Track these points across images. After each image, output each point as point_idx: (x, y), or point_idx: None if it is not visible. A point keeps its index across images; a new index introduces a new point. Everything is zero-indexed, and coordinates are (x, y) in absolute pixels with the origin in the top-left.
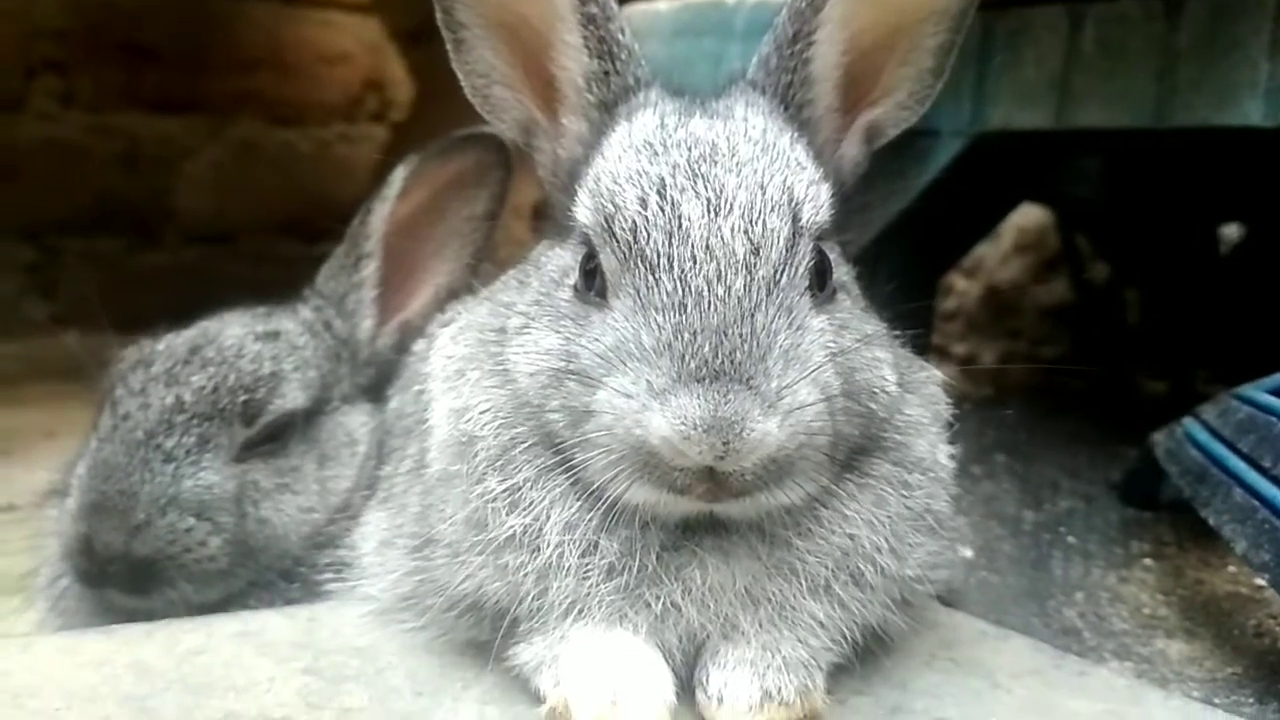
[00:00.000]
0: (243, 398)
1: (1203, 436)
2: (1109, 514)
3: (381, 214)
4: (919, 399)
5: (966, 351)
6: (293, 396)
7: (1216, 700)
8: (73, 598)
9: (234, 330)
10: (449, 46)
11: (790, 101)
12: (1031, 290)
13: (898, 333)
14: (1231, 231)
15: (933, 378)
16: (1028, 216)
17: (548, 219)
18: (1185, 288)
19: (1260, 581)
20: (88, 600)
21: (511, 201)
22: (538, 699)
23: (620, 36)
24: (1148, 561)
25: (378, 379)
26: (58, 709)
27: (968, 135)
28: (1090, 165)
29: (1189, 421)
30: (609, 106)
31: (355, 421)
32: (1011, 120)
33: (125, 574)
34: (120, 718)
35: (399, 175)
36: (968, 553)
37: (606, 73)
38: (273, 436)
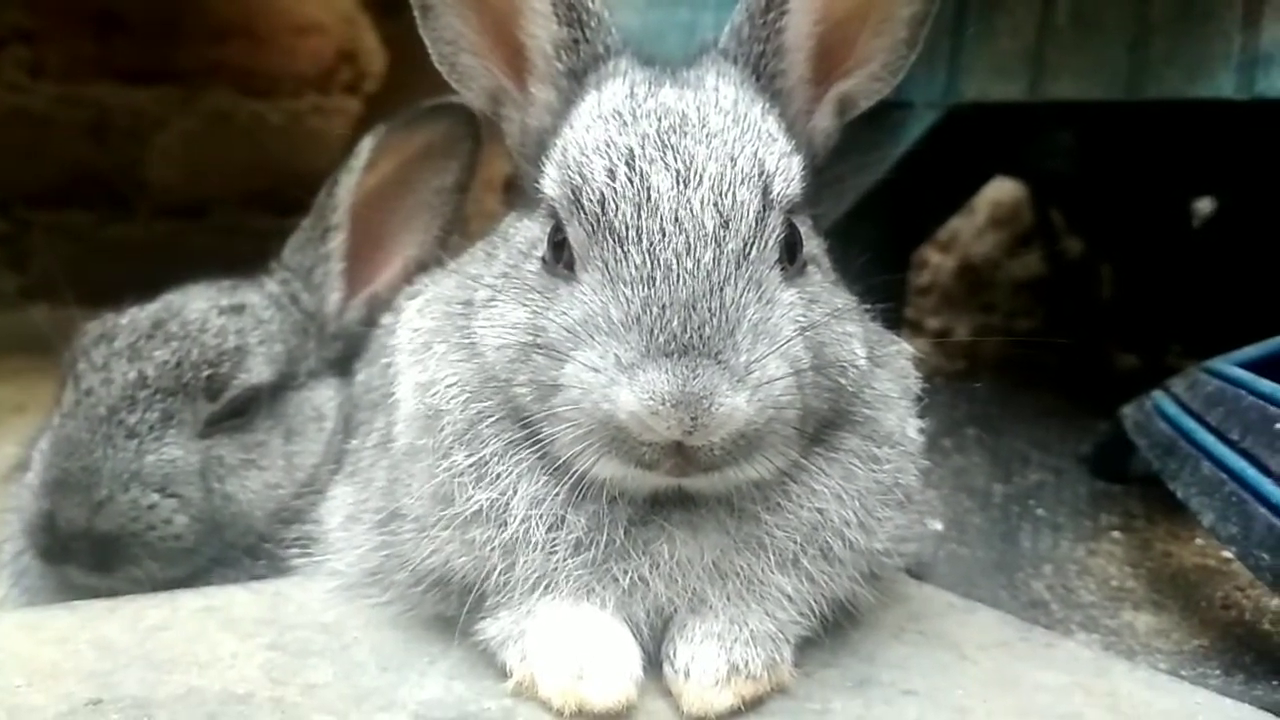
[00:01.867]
0: (206, 372)
1: (1171, 409)
2: (1078, 487)
3: (348, 186)
4: (889, 373)
5: (941, 325)
6: (258, 371)
7: (1183, 672)
8: (36, 575)
9: (198, 304)
10: (416, 13)
11: (762, 72)
12: (1005, 264)
13: (868, 307)
14: (1204, 205)
15: (903, 352)
16: (1002, 191)
17: (517, 190)
18: (1158, 262)
19: (1228, 554)
20: (51, 577)
21: (483, 174)
22: (504, 673)
23: (590, 4)
24: (1116, 534)
25: (345, 353)
26: (19, 686)
27: (941, 107)
28: (1064, 139)
29: (1158, 394)
30: (578, 75)
31: (322, 396)
32: (985, 93)
33: (88, 551)
34: (82, 694)
35: (366, 146)
36: (938, 526)
37: (576, 40)
38: (238, 411)
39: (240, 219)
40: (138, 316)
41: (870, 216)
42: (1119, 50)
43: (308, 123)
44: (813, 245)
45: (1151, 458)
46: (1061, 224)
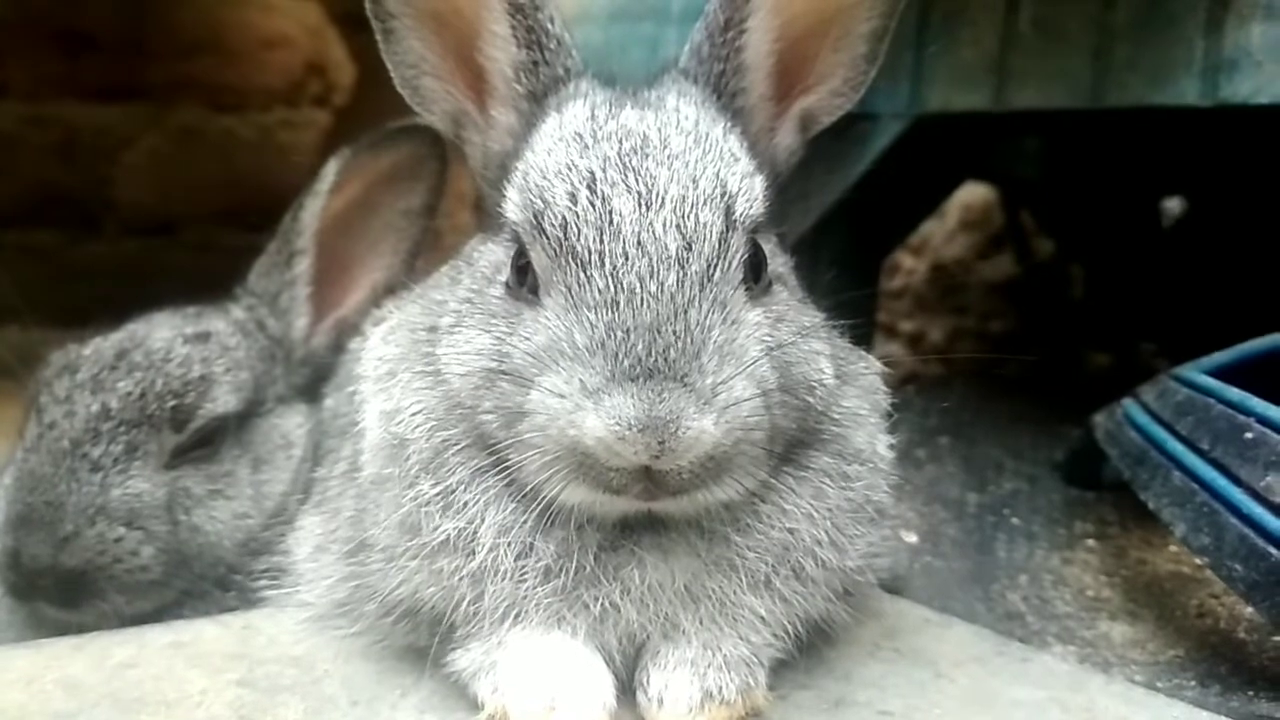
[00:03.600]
0: (171, 403)
1: (1142, 418)
2: (1052, 495)
3: (314, 209)
4: (857, 390)
5: (914, 329)
6: (224, 400)
7: (1159, 684)
8: (5, 610)
9: (162, 333)
10: (378, 36)
11: (723, 90)
12: (977, 267)
13: (836, 323)
14: (1173, 205)
15: (871, 368)
16: (973, 194)
17: (483, 212)
18: (1128, 262)
19: None
20: (20, 612)
21: (456, 188)
22: (476, 706)
23: (549, 26)
24: (1090, 542)
25: (313, 379)
26: None
27: (907, 118)
28: (1032, 143)
29: (1128, 403)
30: (538, 98)
31: (290, 423)
32: (949, 102)
33: (54, 587)
34: None
35: (331, 169)
36: (912, 538)
37: (535, 63)
38: (204, 441)
39: (211, 235)
40: (101, 347)
41: (839, 227)
42: (1082, 58)
43: (277, 136)
44: (778, 263)
45: (1123, 467)
46: (1032, 226)
